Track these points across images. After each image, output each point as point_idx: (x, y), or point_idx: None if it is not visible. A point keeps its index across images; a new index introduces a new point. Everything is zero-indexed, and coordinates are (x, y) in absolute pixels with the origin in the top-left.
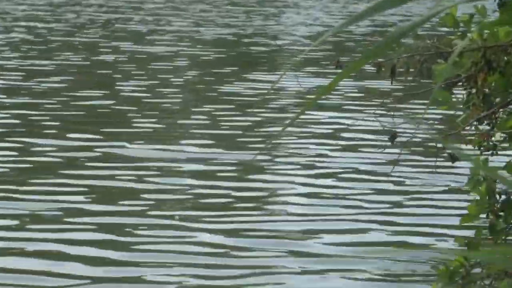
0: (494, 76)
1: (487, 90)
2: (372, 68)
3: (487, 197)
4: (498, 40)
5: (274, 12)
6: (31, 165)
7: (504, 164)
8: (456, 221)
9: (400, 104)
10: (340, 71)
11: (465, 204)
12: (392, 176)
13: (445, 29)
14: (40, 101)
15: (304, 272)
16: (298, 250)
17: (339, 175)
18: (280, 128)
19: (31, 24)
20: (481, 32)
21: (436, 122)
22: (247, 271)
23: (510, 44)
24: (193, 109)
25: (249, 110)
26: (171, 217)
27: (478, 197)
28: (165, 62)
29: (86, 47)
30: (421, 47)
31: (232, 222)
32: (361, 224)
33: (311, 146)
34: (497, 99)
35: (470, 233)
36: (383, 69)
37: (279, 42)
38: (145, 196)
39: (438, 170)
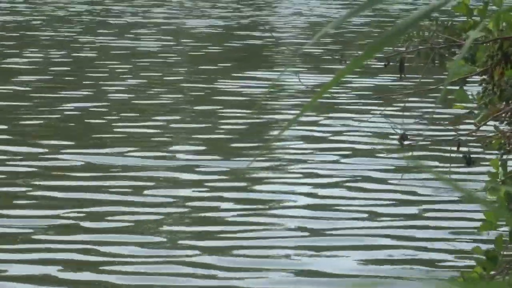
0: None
1: (505, 85)
2: (379, 64)
3: (506, 202)
4: None
5: (267, 1)
6: (5, 176)
7: None
8: (472, 232)
9: (409, 102)
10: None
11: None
12: (402, 184)
13: (459, 18)
14: (12, 103)
15: None
16: (300, 270)
17: (345, 184)
18: (277, 132)
19: (6, 18)
20: (497, 22)
21: (446, 123)
22: None
23: None
24: (184, 111)
25: (246, 111)
26: (161, 234)
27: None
28: (151, 58)
29: (65, 43)
30: (432, 37)
31: (227, 238)
32: (370, 239)
33: (313, 152)
34: None
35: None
36: (390, 63)
37: (275, 35)
38: (135, 209)
39: (453, 176)
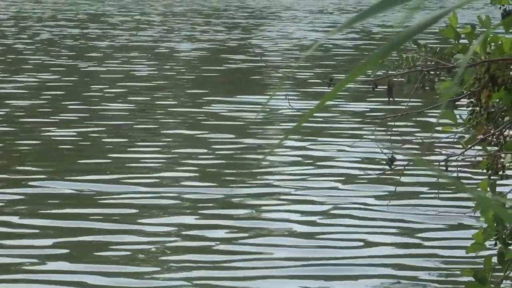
0: (499, 93)
1: (492, 107)
2: (367, 86)
3: (495, 224)
4: (503, 53)
5: (253, 23)
6: None
7: None
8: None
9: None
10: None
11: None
12: (396, 211)
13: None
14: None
15: None
16: None
17: (336, 211)
18: (262, 156)
19: None
20: (484, 45)
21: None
22: None
23: None
24: (174, 136)
25: (234, 136)
26: (153, 263)
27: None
28: (141, 82)
29: (48, 66)
30: (421, 60)
31: (218, 268)
32: (364, 268)
33: (304, 178)
34: (506, 118)
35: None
36: (378, 86)
37: (263, 58)
38: (126, 239)
39: (442, 197)
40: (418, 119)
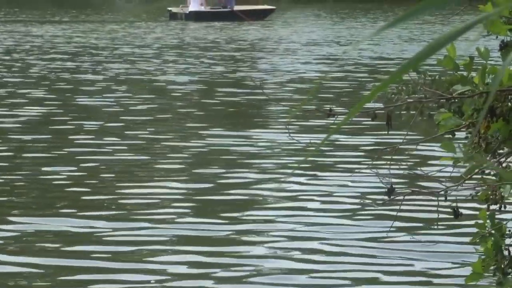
0: (497, 124)
1: (490, 138)
2: (368, 120)
3: (494, 253)
4: (501, 84)
5: (252, 56)
6: None
7: None
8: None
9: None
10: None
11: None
12: (389, 239)
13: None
14: None
15: None
16: None
17: (336, 247)
18: (264, 192)
19: None
20: (483, 76)
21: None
22: None
23: None
24: (172, 172)
25: (238, 169)
26: None
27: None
28: (132, 116)
29: (33, 102)
30: (420, 89)
31: None
32: None
33: (303, 212)
34: (505, 149)
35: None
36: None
37: (264, 91)
38: (118, 277)
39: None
40: (415, 152)
